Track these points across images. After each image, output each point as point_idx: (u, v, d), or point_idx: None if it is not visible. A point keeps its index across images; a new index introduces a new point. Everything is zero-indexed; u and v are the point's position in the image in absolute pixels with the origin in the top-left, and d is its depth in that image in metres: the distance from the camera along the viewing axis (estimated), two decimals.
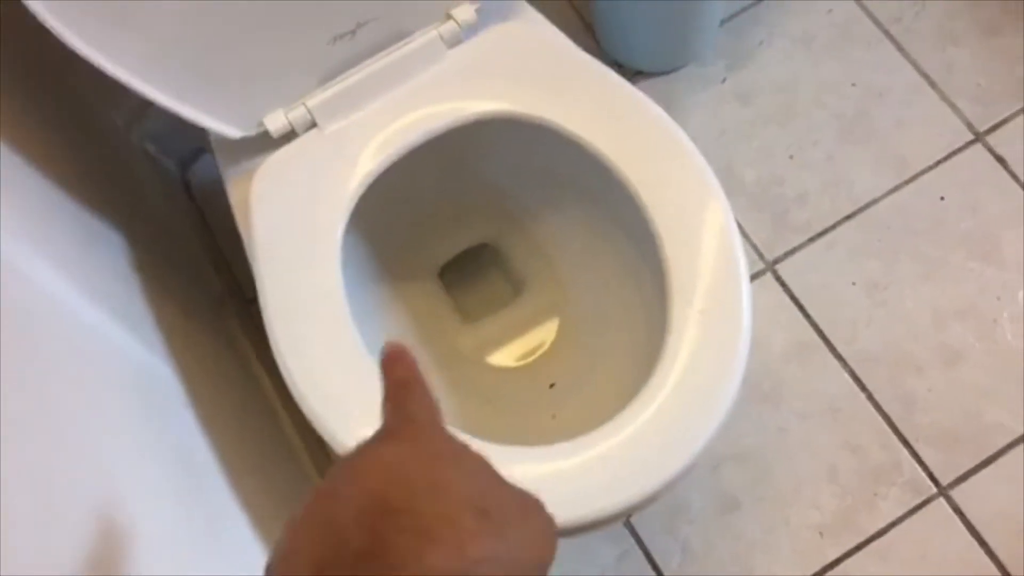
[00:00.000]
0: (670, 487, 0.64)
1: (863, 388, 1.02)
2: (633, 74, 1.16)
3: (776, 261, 1.08)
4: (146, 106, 1.03)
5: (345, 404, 0.64)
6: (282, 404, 1.00)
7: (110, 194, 0.82)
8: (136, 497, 0.52)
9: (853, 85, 1.15)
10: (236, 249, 1.12)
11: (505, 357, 0.86)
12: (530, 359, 0.85)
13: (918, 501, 0.98)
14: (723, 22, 1.17)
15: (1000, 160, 1.11)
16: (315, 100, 0.71)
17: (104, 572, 0.43)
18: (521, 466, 0.62)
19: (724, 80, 1.16)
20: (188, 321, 0.84)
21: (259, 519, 0.70)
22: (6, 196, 0.56)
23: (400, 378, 0.34)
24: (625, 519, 0.98)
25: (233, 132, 0.70)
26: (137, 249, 0.80)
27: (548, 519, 0.32)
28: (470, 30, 0.74)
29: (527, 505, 0.31)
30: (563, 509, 0.57)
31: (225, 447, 0.72)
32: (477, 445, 0.32)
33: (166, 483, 0.59)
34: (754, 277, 1.07)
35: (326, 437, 0.65)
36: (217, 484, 0.67)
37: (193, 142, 1.14)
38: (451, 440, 0.32)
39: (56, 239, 0.63)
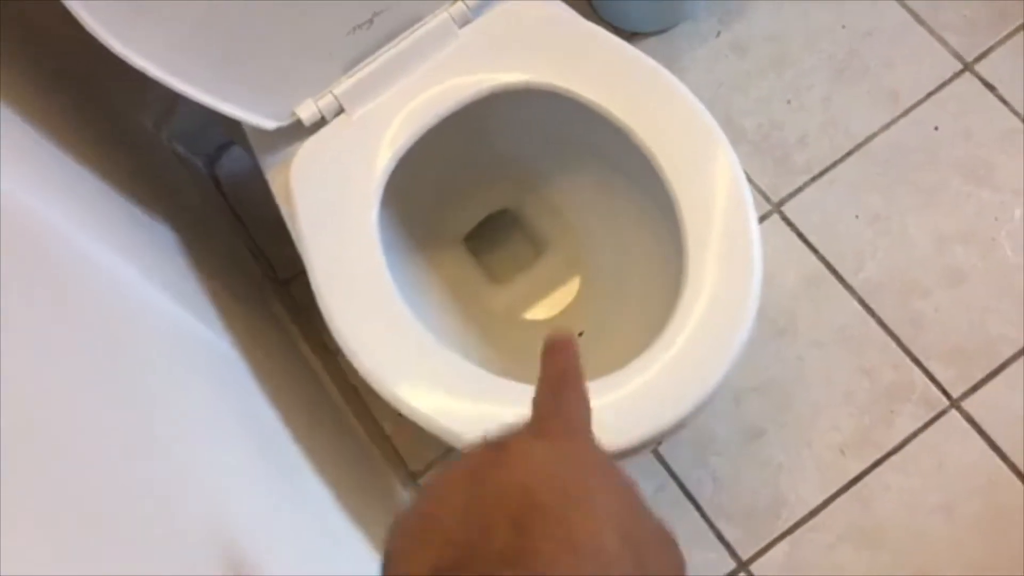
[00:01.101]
0: (696, 414, 0.70)
1: (872, 314, 1.08)
2: (629, 35, 1.21)
3: (781, 202, 1.14)
4: (172, 108, 1.09)
5: (393, 360, 0.71)
6: (329, 377, 1.07)
7: (156, 192, 0.88)
8: (222, 461, 0.59)
9: (843, 27, 1.19)
10: (266, 236, 1.19)
11: (534, 312, 0.93)
12: (558, 311, 0.92)
13: (932, 415, 1.04)
14: None
15: (989, 87, 1.15)
16: (341, 88, 0.77)
17: (209, 526, 0.49)
18: None
19: (718, 34, 1.21)
20: (238, 304, 0.91)
21: (324, 475, 0.76)
22: (90, 207, 0.62)
23: (561, 368, 0.33)
24: (656, 446, 1.04)
25: (269, 124, 0.76)
26: (185, 241, 0.86)
27: (681, 557, 0.30)
28: (477, 9, 0.79)
29: (664, 538, 0.30)
30: (604, 438, 0.64)
31: (287, 415, 0.79)
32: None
33: (245, 448, 0.65)
34: (762, 219, 1.13)
35: (376, 388, 0.71)
36: (288, 449, 0.73)
37: (217, 139, 1.20)
38: (602, 452, 0.31)
39: (135, 240, 0.69)
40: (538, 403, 0.32)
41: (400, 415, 1.06)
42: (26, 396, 0.38)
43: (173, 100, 1.07)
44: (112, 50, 0.65)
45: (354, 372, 1.09)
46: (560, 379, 0.33)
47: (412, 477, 1.07)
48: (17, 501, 0.33)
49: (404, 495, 1.03)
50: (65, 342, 0.46)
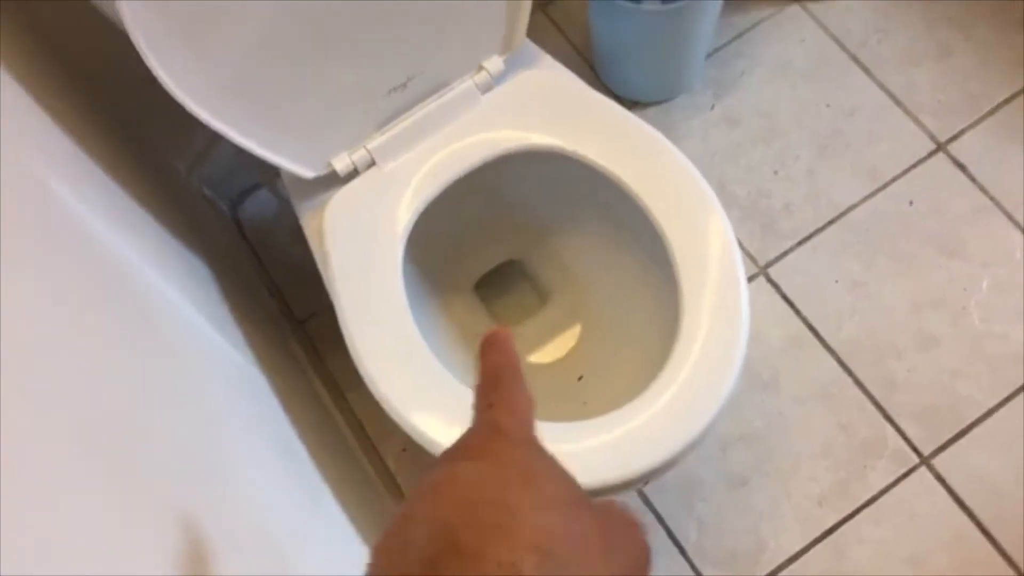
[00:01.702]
0: (687, 452, 0.76)
1: (850, 373, 1.15)
2: (630, 105, 1.30)
3: (768, 265, 1.22)
4: (204, 155, 1.17)
5: (410, 391, 0.77)
6: (339, 413, 1.13)
7: (193, 232, 0.95)
8: (251, 469, 0.64)
9: (827, 106, 1.29)
10: (284, 277, 1.25)
11: (538, 356, 0.99)
12: (560, 356, 0.98)
13: (903, 470, 1.11)
14: (708, 56, 1.32)
15: (960, 166, 1.25)
16: (374, 143, 0.84)
17: (235, 526, 0.55)
18: (561, 443, 0.75)
19: (712, 107, 1.30)
20: (262, 337, 0.97)
21: (338, 498, 0.82)
22: (152, 244, 0.69)
23: (493, 364, 0.33)
24: (644, 484, 1.10)
25: (307, 173, 0.83)
26: (217, 278, 0.93)
27: (635, 542, 0.30)
28: (500, 77, 0.87)
29: (611, 530, 0.29)
30: (599, 474, 0.70)
31: (307, 437, 0.85)
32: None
33: (274, 462, 0.71)
34: (749, 280, 1.20)
35: (393, 416, 0.77)
36: (308, 466, 0.79)
37: (242, 184, 1.27)
38: (531, 455, 0.30)
39: (182, 273, 0.76)
40: (474, 406, 0.32)
41: (405, 449, 1.12)
42: (130, 409, 0.45)
43: (206, 147, 1.15)
44: (171, 93, 0.70)
45: (362, 409, 1.16)
46: (492, 376, 0.33)
47: None
48: (136, 506, 0.39)
49: None
50: (151, 362, 0.52)
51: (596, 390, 0.93)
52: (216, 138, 1.10)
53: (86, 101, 0.86)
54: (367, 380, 0.78)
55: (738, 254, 0.81)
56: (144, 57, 0.66)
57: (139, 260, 0.64)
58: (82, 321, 0.48)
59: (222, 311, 0.86)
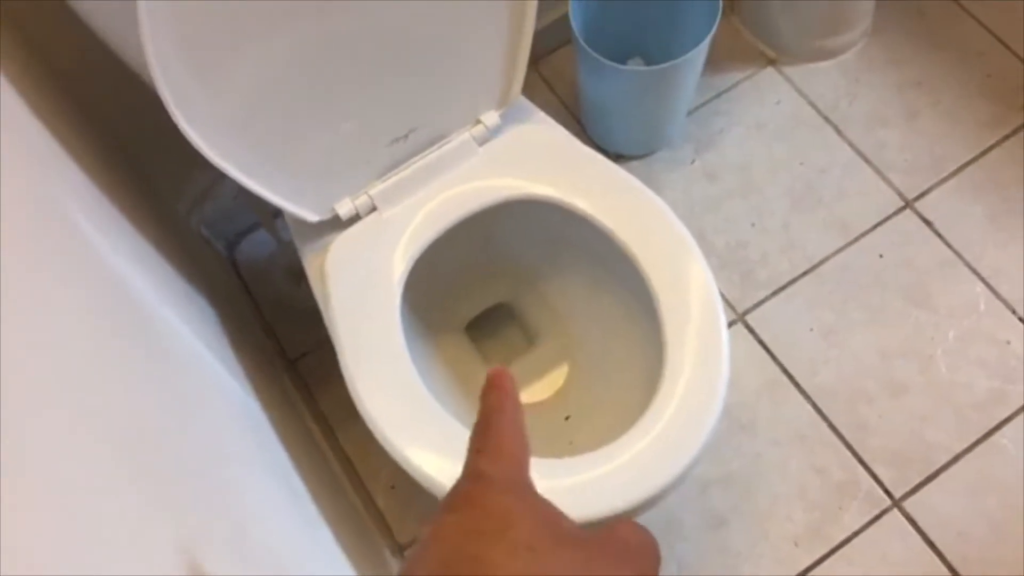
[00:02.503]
0: (666, 494, 0.80)
1: (824, 418, 1.20)
2: (615, 158, 1.36)
3: (746, 312, 1.27)
4: (204, 197, 1.21)
5: (406, 426, 0.80)
6: (330, 450, 1.15)
7: (197, 271, 0.98)
8: (256, 491, 0.67)
9: (801, 163, 1.36)
10: (276, 316, 1.29)
11: (526, 396, 1.03)
12: (548, 396, 1.02)
13: (876, 512, 1.15)
14: (689, 113, 1.39)
15: (927, 222, 1.31)
16: (376, 190, 0.89)
17: (240, 549, 0.58)
18: (548, 479, 0.78)
19: (693, 161, 1.37)
20: (258, 371, 1.00)
21: (333, 527, 0.85)
22: (164, 283, 0.73)
23: (488, 407, 0.34)
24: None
25: (311, 217, 0.88)
26: (217, 313, 0.96)
27: (634, 567, 0.30)
28: (495, 130, 0.92)
29: (602, 560, 0.30)
30: (582, 510, 0.74)
31: (302, 470, 0.87)
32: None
33: (276, 488, 0.74)
34: (728, 326, 1.25)
35: (388, 450, 0.80)
36: (305, 498, 0.82)
37: (239, 226, 1.31)
38: (513, 499, 0.31)
39: (191, 312, 0.79)
40: (469, 443, 0.33)
41: (393, 487, 1.14)
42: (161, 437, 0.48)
43: (206, 190, 1.20)
44: (185, 134, 0.74)
45: (352, 447, 1.18)
46: (486, 420, 0.33)
47: (400, 549, 1.14)
48: (155, 507, 0.42)
49: (392, 563, 1.10)
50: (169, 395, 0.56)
51: (583, 430, 0.97)
52: (216, 181, 1.15)
53: (103, 143, 0.90)
54: (364, 415, 0.81)
55: (718, 301, 0.86)
56: (162, 95, 0.69)
57: (155, 297, 0.68)
58: (110, 345, 0.52)
59: (224, 346, 0.89)
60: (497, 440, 0.32)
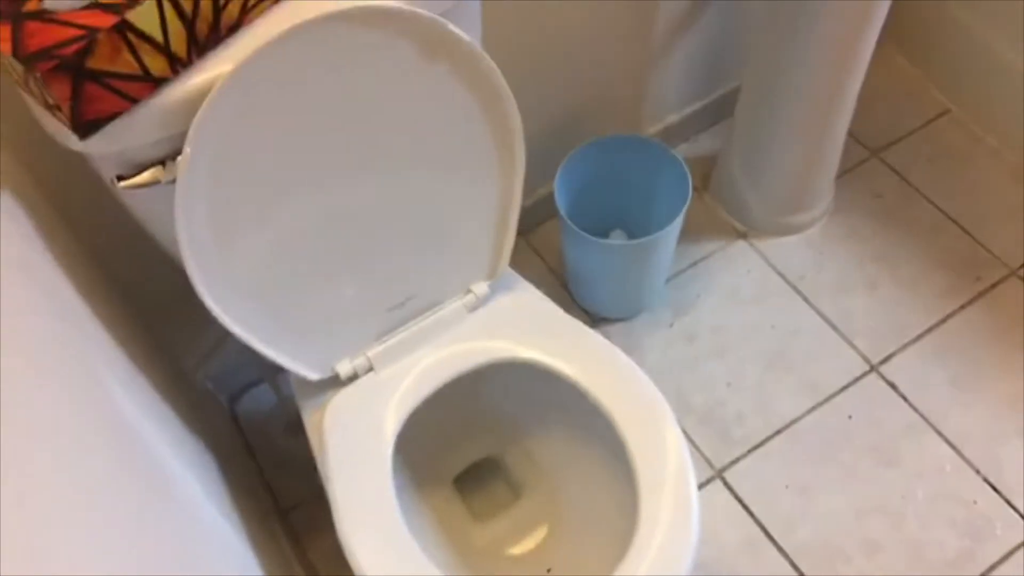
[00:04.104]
0: None
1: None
2: (599, 320, 1.46)
3: (723, 469, 1.32)
4: (211, 353, 1.30)
5: None
6: None
7: (200, 423, 1.05)
8: None
9: (772, 327, 1.45)
10: (272, 468, 1.34)
11: (510, 549, 1.07)
12: (531, 547, 1.06)
13: None
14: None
15: (891, 385, 1.39)
16: (373, 351, 0.97)
17: None
18: None
19: (672, 325, 1.46)
20: (253, 520, 1.05)
21: None
22: (170, 432, 0.80)
23: None
24: None
25: (313, 375, 0.95)
26: (217, 462, 1.02)
27: None
28: (484, 299, 1.02)
29: None
30: None
31: None
32: None
33: None
34: (705, 483, 1.31)
35: None
36: None
37: (242, 381, 1.39)
38: None
39: (194, 461, 0.86)
40: None
41: None
42: None
43: (213, 348, 1.28)
44: (203, 299, 0.82)
45: None
46: None
47: None
48: None
49: None
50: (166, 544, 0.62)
51: None
52: (222, 340, 1.24)
53: (122, 303, 0.99)
54: (354, 566, 0.86)
55: (690, 465, 0.91)
56: (186, 263, 0.77)
57: (163, 445, 0.74)
58: (128, 486, 0.58)
59: (222, 494, 0.95)
60: None
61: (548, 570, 1.03)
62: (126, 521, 0.55)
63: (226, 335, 0.87)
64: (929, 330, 1.45)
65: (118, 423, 0.66)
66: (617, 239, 1.45)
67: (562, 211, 1.28)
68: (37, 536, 0.40)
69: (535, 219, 1.52)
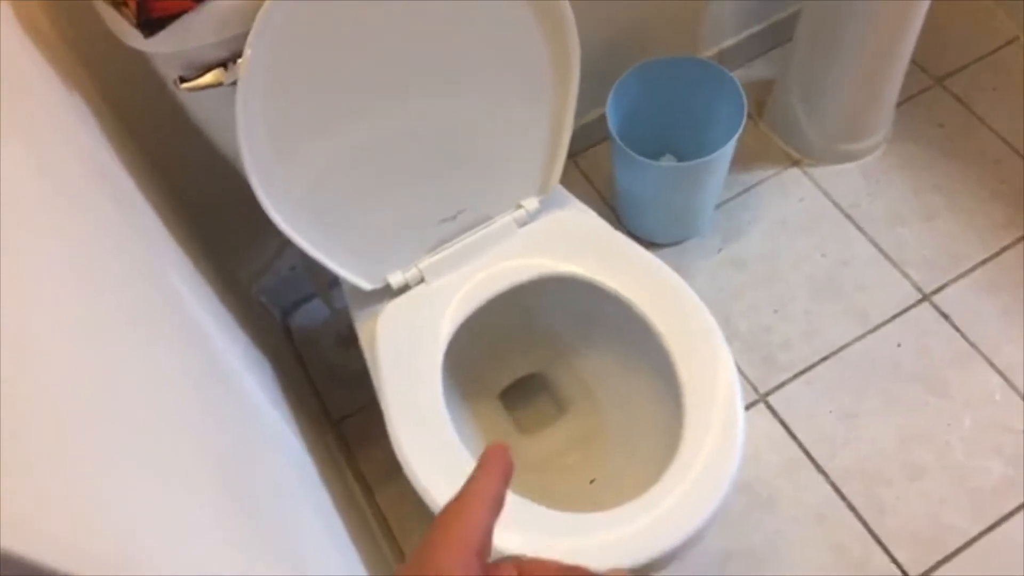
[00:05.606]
0: (678, 552, 0.85)
1: (843, 497, 1.24)
2: (647, 245, 1.44)
3: (767, 394, 1.33)
4: (265, 269, 1.33)
5: (444, 480, 0.87)
6: (366, 503, 1.22)
7: (258, 334, 1.09)
8: (306, 530, 0.75)
9: (823, 255, 1.44)
10: (323, 380, 1.38)
11: (555, 461, 1.10)
12: (574, 460, 1.09)
13: None
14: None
15: (944, 316, 1.38)
16: (425, 263, 0.99)
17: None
18: (570, 538, 0.85)
19: (720, 251, 1.46)
20: (308, 428, 1.09)
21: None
22: (233, 338, 0.83)
23: (471, 492, 0.34)
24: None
25: (366, 285, 0.98)
26: (274, 371, 1.06)
27: None
28: (535, 214, 1.03)
29: None
30: (607, 562, 0.80)
31: (345, 523, 0.95)
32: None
33: (323, 534, 0.81)
34: (750, 406, 1.32)
35: (427, 502, 0.86)
36: (348, 549, 0.89)
37: (294, 296, 1.42)
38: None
39: (255, 367, 0.89)
40: (438, 518, 0.34)
41: None
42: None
43: (267, 263, 1.31)
44: (264, 207, 0.84)
45: (389, 507, 1.25)
46: (467, 503, 0.34)
47: None
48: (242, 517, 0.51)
49: None
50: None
51: (607, 492, 1.03)
52: (277, 254, 1.27)
53: (187, 218, 1.02)
54: (406, 468, 0.89)
55: (737, 380, 0.92)
56: (248, 174, 0.80)
57: (230, 351, 0.77)
58: (204, 383, 0.61)
59: (280, 401, 0.98)
60: (457, 529, 0.33)
61: (592, 481, 1.06)
62: (206, 412, 0.58)
63: (281, 249, 0.90)
64: (984, 262, 1.42)
65: (185, 317, 0.69)
66: (668, 162, 1.43)
67: (613, 132, 1.27)
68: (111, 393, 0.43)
69: (586, 141, 1.51)
